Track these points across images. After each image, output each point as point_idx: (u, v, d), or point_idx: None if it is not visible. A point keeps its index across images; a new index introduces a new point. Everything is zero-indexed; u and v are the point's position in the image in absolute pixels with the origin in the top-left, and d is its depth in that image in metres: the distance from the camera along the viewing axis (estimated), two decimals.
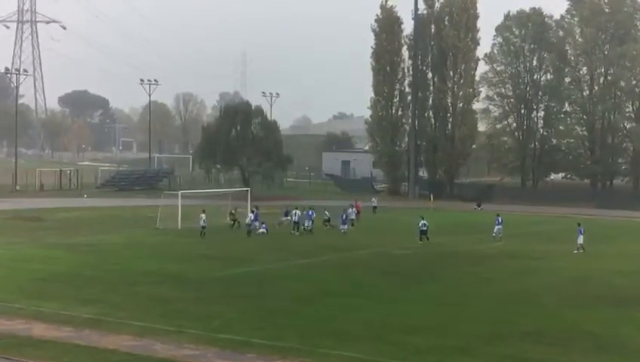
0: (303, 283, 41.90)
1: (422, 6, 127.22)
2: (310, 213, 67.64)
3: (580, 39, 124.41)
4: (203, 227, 62.29)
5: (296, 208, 67.88)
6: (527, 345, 28.59)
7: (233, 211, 70.25)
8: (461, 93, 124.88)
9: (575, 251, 56.97)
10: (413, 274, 46.48)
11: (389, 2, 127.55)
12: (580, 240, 57.79)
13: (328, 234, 65.12)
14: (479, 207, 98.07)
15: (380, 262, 51.66)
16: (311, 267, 48.07)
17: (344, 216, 68.54)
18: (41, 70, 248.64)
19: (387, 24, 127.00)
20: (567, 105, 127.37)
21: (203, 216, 62.93)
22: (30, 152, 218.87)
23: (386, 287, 41.12)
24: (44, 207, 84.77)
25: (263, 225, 65.48)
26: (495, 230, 63.97)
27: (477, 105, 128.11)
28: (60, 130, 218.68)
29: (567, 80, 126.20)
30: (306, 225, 66.42)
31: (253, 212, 66.67)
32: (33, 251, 52.07)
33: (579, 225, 59.43)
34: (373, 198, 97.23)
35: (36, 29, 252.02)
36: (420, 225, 61.90)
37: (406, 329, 30.67)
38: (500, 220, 64.64)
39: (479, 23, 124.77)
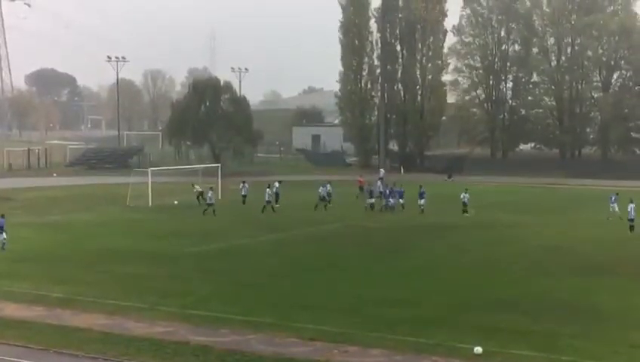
0: (276, 258, 41.96)
1: None
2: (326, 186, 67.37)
3: (547, 9, 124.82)
4: (209, 204, 61.92)
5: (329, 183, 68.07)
6: (500, 314, 28.79)
7: (199, 188, 69.96)
8: (430, 65, 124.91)
9: (609, 218, 57.21)
10: (386, 246, 46.63)
11: None
12: (615, 208, 57.79)
13: (303, 209, 64.94)
14: (450, 178, 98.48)
15: (353, 235, 51.78)
16: (284, 241, 48.07)
17: (387, 191, 67.00)
18: (6, 48, 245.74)
19: None
20: (535, 75, 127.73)
21: (210, 192, 63.22)
22: None
23: (360, 260, 41.26)
24: (13, 187, 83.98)
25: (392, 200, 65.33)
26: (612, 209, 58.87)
27: (446, 77, 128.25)
28: (27, 108, 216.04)
29: (535, 50, 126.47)
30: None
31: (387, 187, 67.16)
32: None
33: (617, 194, 59.58)
34: (381, 169, 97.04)
35: (0, 6, 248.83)
36: (462, 197, 62.50)
37: (380, 301, 30.77)
38: (614, 198, 59.21)
39: None
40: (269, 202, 63.44)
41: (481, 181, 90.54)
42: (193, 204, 65.94)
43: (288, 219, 59.44)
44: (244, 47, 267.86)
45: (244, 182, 69.81)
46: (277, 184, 68.14)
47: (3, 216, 45.37)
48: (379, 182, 72.33)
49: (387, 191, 66.54)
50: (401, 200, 65.33)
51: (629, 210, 52.78)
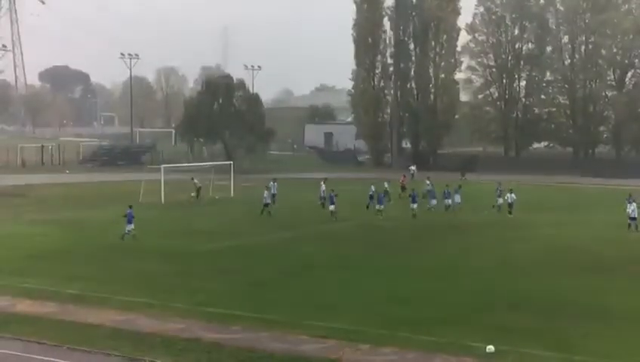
0: (289, 256, 41.96)
1: None
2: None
3: (561, 8, 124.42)
4: (266, 205, 59.98)
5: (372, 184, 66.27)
6: (513, 314, 28.71)
7: (198, 184, 70.62)
8: (443, 63, 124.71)
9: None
10: (399, 245, 46.60)
11: None
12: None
13: (313, 207, 64.77)
14: (463, 176, 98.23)
15: (366, 233, 51.73)
16: (297, 239, 48.06)
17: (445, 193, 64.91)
18: (20, 46, 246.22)
19: None
20: (548, 74, 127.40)
21: (266, 192, 61.33)
22: (11, 128, 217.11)
23: (372, 259, 41.18)
24: (27, 184, 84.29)
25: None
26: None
27: (459, 76, 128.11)
28: (41, 105, 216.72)
29: (549, 49, 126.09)
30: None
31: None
32: (17, 228, 51.80)
33: (630, 195, 58.28)
34: (412, 166, 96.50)
35: (15, 4, 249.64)
36: (507, 197, 61.55)
37: (392, 300, 30.74)
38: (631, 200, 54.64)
39: None
40: (324, 198, 63.71)
41: (494, 180, 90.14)
42: (206, 201, 66.07)
43: (301, 217, 59.46)
44: (256, 44, 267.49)
45: (274, 180, 67.87)
46: (323, 181, 67.69)
47: (131, 207, 46.86)
48: (427, 182, 71.37)
49: (445, 192, 64.82)
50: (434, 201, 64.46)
51: (632, 209, 52.36)
